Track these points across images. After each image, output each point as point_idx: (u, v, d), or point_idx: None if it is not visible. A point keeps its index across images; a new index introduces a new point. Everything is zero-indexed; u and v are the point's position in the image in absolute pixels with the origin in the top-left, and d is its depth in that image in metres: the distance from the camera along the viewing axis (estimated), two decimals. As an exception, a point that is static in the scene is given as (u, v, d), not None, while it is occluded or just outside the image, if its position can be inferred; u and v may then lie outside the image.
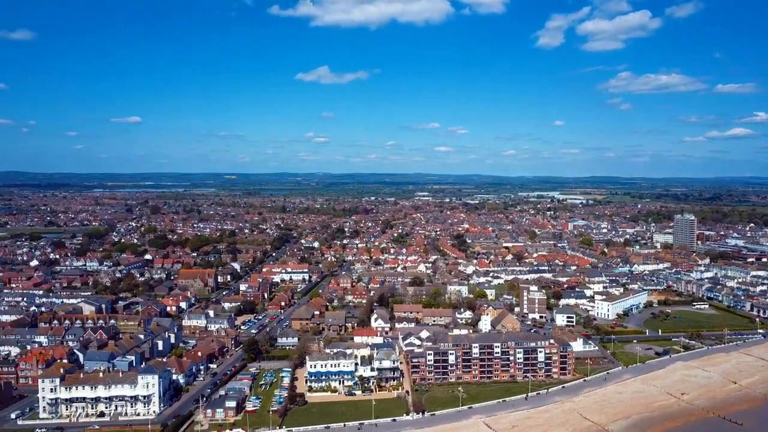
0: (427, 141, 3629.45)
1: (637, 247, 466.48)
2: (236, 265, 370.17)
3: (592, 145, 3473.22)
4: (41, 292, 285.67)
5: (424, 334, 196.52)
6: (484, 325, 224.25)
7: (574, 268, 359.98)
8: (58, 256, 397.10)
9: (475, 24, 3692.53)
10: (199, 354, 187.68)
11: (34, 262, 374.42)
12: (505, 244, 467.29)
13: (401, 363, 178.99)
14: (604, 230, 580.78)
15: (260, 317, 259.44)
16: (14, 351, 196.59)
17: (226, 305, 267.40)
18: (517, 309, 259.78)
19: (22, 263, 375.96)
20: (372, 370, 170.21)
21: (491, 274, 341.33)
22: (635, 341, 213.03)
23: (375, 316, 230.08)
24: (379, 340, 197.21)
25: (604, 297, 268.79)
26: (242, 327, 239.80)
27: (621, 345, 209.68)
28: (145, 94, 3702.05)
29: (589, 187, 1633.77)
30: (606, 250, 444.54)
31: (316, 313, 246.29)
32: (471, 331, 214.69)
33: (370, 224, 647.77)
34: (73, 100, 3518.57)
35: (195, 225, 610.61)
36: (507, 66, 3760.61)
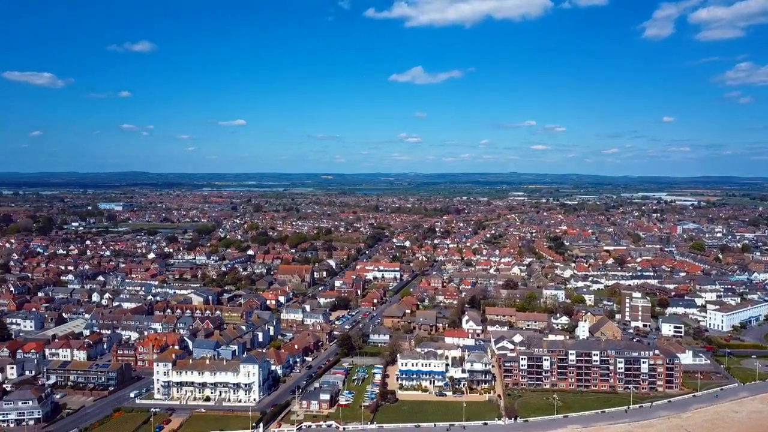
0: (523, 139, 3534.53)
1: (758, 253, 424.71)
2: (332, 262, 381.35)
3: (705, 142, 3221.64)
4: (157, 283, 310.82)
5: (518, 338, 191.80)
6: (582, 331, 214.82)
7: (683, 274, 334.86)
8: (171, 250, 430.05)
9: (576, 17, 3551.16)
10: (296, 347, 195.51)
11: (151, 255, 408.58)
12: (605, 248, 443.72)
13: (493, 366, 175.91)
14: (719, 234, 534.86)
15: (353, 313, 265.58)
16: (134, 336, 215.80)
17: (322, 300, 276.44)
18: (617, 316, 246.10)
19: (141, 256, 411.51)
20: (463, 371, 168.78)
21: (590, 279, 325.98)
22: (754, 356, 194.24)
23: (466, 317, 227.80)
24: (470, 341, 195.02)
25: (717, 307, 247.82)
26: (336, 322, 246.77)
27: (737, 360, 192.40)
28: (249, 99, 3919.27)
29: (700, 188, 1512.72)
30: (720, 256, 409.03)
31: (407, 311, 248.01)
32: (567, 337, 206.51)
33: (461, 224, 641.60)
34: (186, 106, 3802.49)
35: (294, 223, 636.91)
36: (610, 60, 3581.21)
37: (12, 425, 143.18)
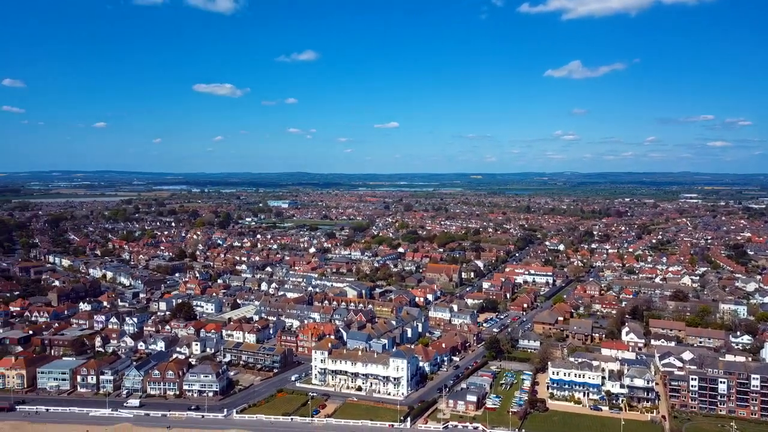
0: (697, 135, 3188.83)
1: None
2: (479, 263, 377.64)
3: None
4: (316, 275, 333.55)
5: (687, 355, 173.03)
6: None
7: None
8: (330, 245, 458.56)
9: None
10: (443, 345, 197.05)
11: (312, 249, 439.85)
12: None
13: (656, 384, 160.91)
14: None
15: (502, 316, 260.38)
16: (295, 323, 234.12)
17: (469, 301, 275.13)
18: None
19: (303, 250, 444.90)
20: (621, 386, 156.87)
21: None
22: None
23: (626, 329, 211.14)
24: (630, 355, 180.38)
25: None
26: (484, 324, 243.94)
27: None
28: (402, 102, 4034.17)
29: None
30: None
31: (560, 318, 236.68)
32: (749, 359, 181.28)
33: (623, 228, 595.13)
34: (345, 110, 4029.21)
35: (442, 222, 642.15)
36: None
37: (195, 395, 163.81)
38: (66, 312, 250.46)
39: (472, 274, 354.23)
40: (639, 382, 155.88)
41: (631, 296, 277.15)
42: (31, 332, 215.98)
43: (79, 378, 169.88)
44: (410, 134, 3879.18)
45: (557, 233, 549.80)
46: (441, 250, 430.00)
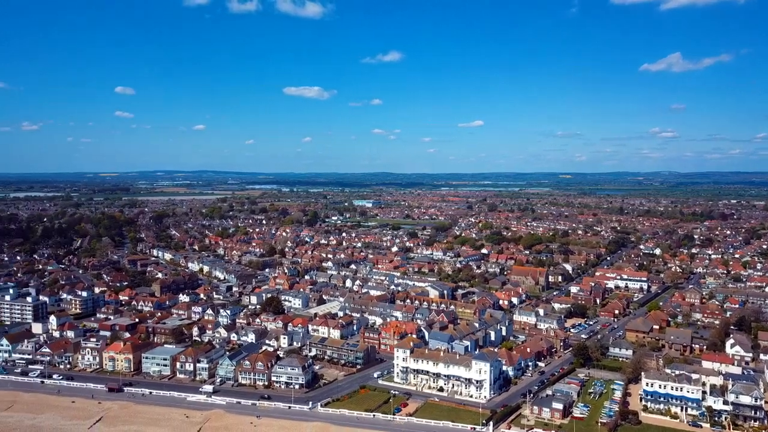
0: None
1: None
2: (568, 266, 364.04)
3: None
4: (399, 274, 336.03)
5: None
6: None
7: None
8: (411, 245, 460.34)
9: None
10: (528, 350, 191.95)
11: (395, 248, 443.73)
12: None
13: (766, 402, 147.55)
14: None
15: (591, 322, 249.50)
16: (378, 321, 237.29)
17: (556, 306, 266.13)
18: None
19: (386, 248, 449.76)
20: (725, 403, 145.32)
21: None
22: None
23: (732, 341, 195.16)
24: (736, 370, 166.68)
25: None
26: (571, 330, 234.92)
27: None
28: (487, 100, 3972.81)
29: None
30: None
31: (655, 327, 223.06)
32: None
33: (728, 232, 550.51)
34: (429, 110, 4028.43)
35: (528, 223, 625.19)
36: None
37: (282, 387, 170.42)
38: (167, 302, 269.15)
39: (560, 277, 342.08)
40: (745, 400, 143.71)
41: (737, 306, 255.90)
42: (137, 320, 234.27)
43: (178, 364, 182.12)
44: (495, 133, 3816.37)
45: (653, 236, 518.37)
46: (527, 252, 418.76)
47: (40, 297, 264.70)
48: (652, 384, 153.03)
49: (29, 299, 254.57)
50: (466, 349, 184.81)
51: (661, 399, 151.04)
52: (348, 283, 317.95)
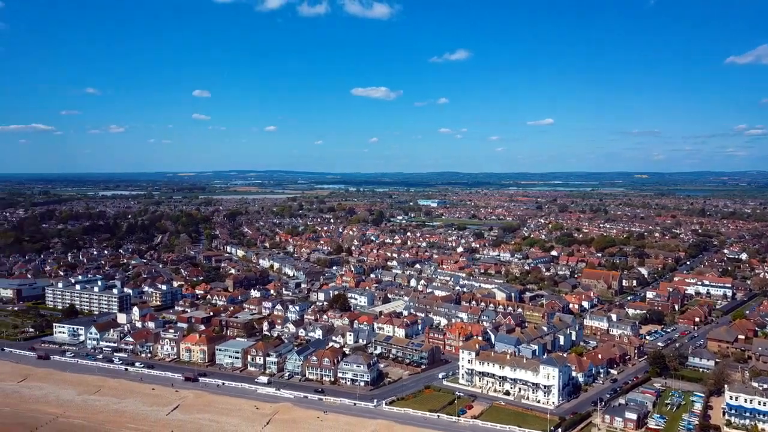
0: None
1: None
2: (643, 270, 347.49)
3: None
4: (464, 275, 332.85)
5: None
6: None
7: None
8: (478, 245, 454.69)
9: None
10: (599, 356, 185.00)
11: (460, 249, 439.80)
12: None
13: None
14: None
15: (668, 330, 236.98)
16: (443, 321, 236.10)
17: (630, 311, 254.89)
18: None
19: (451, 249, 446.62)
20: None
21: None
22: None
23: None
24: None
25: None
26: (647, 337, 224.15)
27: None
28: (557, 97, 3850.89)
29: None
30: None
31: (741, 337, 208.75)
32: None
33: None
34: (497, 108, 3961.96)
35: (601, 225, 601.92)
36: None
37: (348, 383, 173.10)
38: (240, 297, 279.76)
39: (635, 282, 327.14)
40: None
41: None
42: (211, 313, 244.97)
43: (249, 357, 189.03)
44: (566, 131, 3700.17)
45: (739, 240, 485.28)
46: (599, 254, 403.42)
47: (125, 289, 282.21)
48: (736, 397, 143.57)
49: (115, 291, 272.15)
50: (534, 353, 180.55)
51: (747, 414, 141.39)
52: (413, 282, 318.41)
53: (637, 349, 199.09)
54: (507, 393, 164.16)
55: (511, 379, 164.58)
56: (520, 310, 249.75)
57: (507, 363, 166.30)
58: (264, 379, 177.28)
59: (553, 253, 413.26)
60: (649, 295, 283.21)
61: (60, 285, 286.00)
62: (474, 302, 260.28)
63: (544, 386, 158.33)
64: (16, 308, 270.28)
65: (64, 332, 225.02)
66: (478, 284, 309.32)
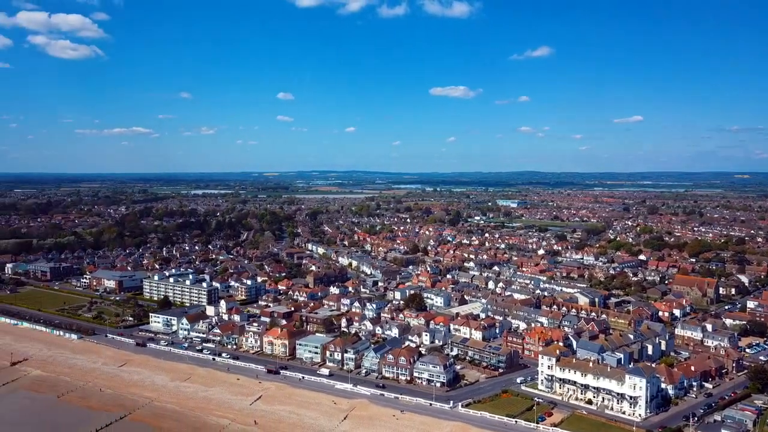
0: None
1: None
2: (743, 278, 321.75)
3: None
4: (545, 278, 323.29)
5: None
6: None
7: None
8: (560, 248, 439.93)
9: None
10: (692, 368, 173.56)
11: (541, 251, 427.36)
12: None
13: None
14: None
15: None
16: (522, 325, 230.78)
17: (728, 321, 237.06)
18: None
19: (532, 251, 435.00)
20: None
21: None
22: None
23: None
24: None
25: None
26: (747, 350, 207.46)
27: None
28: (647, 93, 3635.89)
29: None
30: None
31: None
32: None
33: None
34: (581, 105, 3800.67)
35: (695, 228, 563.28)
36: None
37: (424, 383, 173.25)
38: (319, 294, 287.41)
39: (733, 290, 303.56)
40: None
41: None
42: (293, 309, 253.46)
43: (327, 353, 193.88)
44: (656, 128, 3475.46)
45: None
46: (692, 260, 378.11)
47: (213, 283, 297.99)
48: None
49: (204, 285, 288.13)
50: (619, 362, 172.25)
51: None
52: (490, 284, 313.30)
53: (735, 363, 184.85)
54: (589, 402, 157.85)
55: (594, 388, 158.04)
56: (604, 316, 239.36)
57: (590, 371, 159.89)
58: (325, 371, 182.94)
59: (642, 257, 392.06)
60: (750, 304, 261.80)
61: (156, 278, 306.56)
62: (555, 306, 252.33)
63: (630, 397, 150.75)
64: (117, 298, 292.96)
65: (158, 322, 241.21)
66: (559, 288, 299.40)
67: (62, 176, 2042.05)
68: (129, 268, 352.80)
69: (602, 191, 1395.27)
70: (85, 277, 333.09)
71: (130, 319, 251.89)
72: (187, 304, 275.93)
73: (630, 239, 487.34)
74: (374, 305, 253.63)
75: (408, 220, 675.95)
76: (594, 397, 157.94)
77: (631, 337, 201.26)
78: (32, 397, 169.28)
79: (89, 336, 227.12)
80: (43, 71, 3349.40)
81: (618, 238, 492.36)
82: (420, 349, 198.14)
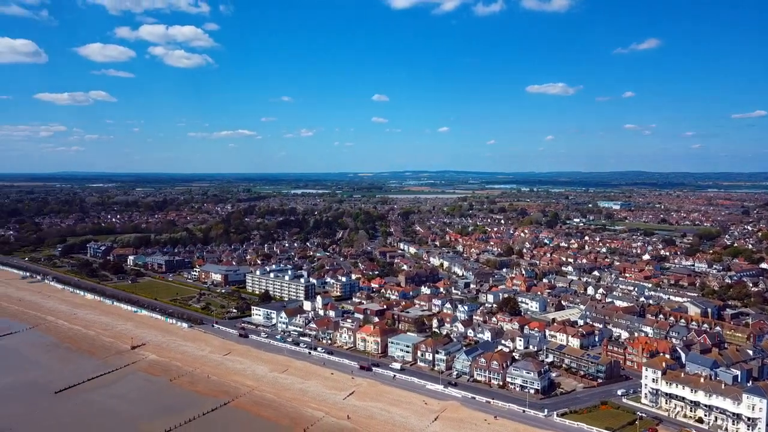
0: None
1: None
2: None
3: None
4: (650, 285, 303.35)
5: None
6: None
7: None
8: (667, 253, 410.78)
9: None
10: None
11: (646, 257, 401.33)
12: None
13: None
14: None
15: None
16: (624, 334, 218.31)
17: None
18: None
19: (636, 256, 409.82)
20: None
21: None
22: None
23: None
24: None
25: None
26: None
27: None
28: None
29: None
30: None
31: None
32: None
33: None
34: (693, 100, 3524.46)
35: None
36: None
37: (517, 389, 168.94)
38: (411, 293, 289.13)
39: None
40: None
41: None
42: (385, 307, 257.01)
43: (419, 353, 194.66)
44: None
45: None
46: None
47: (310, 279, 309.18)
48: None
49: (302, 280, 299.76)
50: (735, 379, 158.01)
51: None
52: (590, 290, 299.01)
53: None
54: (699, 420, 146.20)
55: (706, 406, 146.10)
56: (718, 328, 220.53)
57: (701, 387, 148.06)
58: (397, 365, 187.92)
59: (763, 265, 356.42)
60: None
61: (257, 272, 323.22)
62: (661, 316, 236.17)
63: (748, 418, 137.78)
64: (223, 291, 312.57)
65: (259, 315, 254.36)
66: (666, 296, 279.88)
67: (176, 176, 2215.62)
68: (233, 263, 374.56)
69: (717, 192, 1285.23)
70: (195, 270, 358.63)
71: (234, 310, 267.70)
72: (286, 299, 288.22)
73: (749, 245, 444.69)
74: (466, 307, 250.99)
75: (502, 221, 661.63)
76: (706, 415, 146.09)
77: (750, 352, 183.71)
78: (149, 379, 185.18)
79: (198, 325, 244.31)
80: (161, 79, 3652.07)
81: (735, 244, 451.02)
82: (513, 354, 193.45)
